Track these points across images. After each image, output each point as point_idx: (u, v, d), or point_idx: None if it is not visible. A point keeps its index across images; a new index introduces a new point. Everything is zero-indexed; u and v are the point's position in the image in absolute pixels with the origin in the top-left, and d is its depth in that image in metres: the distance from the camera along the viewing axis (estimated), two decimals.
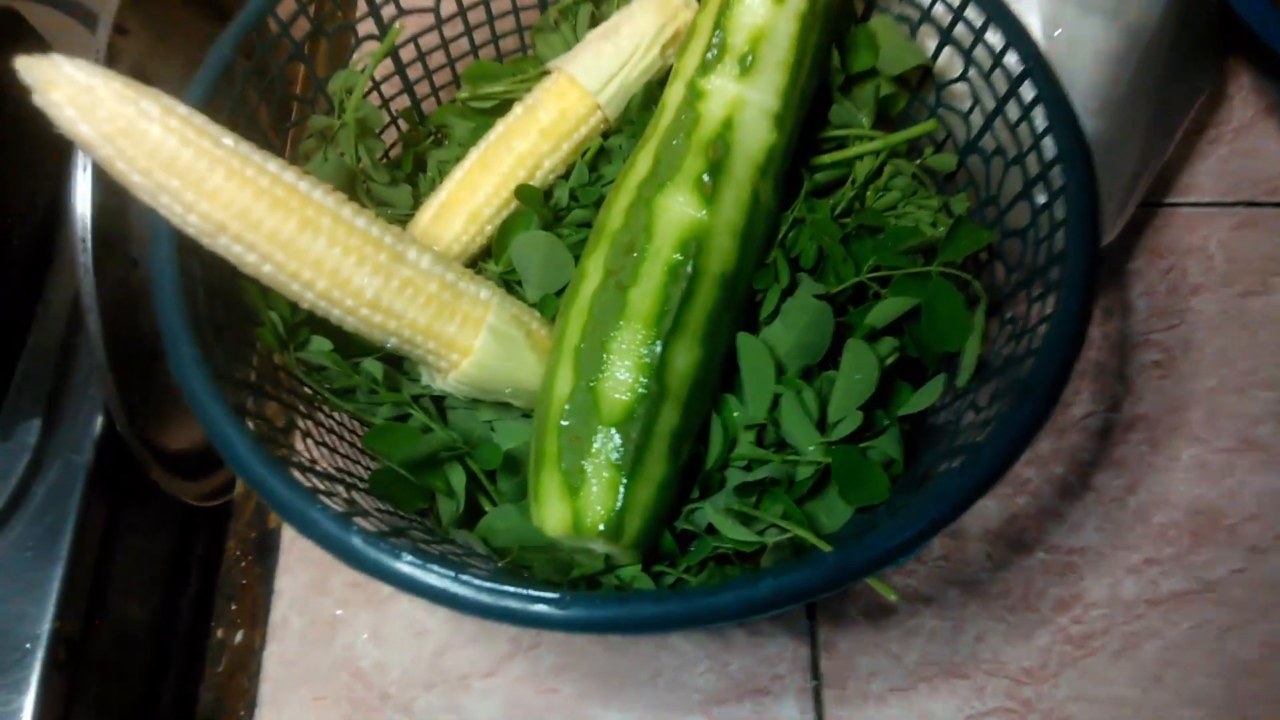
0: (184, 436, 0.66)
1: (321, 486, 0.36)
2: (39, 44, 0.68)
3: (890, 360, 0.42)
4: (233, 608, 0.47)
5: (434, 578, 0.31)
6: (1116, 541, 0.47)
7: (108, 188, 0.52)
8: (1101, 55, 0.46)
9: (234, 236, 0.37)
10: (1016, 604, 0.46)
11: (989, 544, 0.48)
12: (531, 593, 0.30)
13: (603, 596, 0.31)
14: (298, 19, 0.43)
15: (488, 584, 0.31)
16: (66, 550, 0.57)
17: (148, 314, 0.60)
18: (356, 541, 0.32)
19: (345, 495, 0.37)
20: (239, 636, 0.46)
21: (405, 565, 0.32)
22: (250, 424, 0.35)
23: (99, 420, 0.60)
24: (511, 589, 0.30)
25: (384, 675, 0.45)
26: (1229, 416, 0.50)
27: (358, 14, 0.46)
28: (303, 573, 0.47)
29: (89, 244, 0.53)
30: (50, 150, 0.65)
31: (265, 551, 0.48)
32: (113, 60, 0.57)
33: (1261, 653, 0.45)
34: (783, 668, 0.45)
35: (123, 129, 0.35)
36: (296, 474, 0.34)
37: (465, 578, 0.31)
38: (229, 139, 0.36)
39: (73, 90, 0.34)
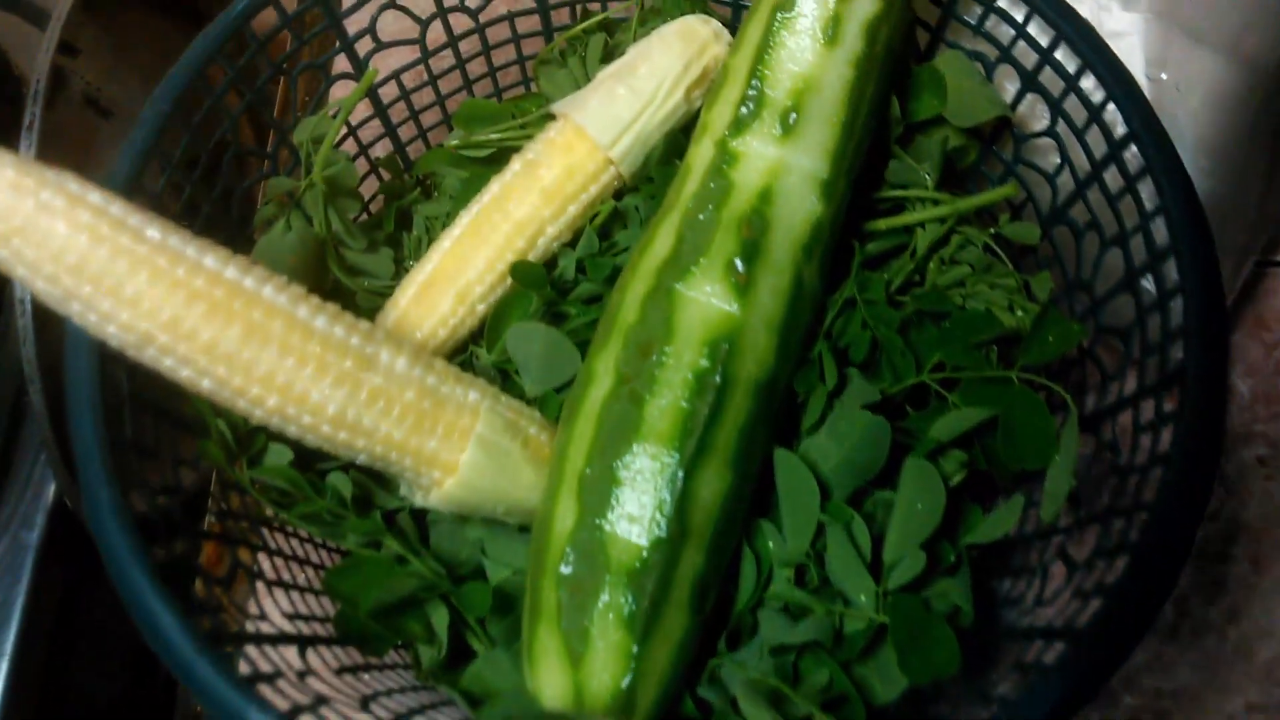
0: (141, 500, 0.60)
1: (265, 668, 0.29)
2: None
3: (957, 480, 0.35)
4: None
5: None
6: (1215, 682, 0.41)
7: None
8: (1215, 99, 0.39)
9: (163, 349, 0.30)
10: None
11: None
12: None
13: None
14: (253, 59, 0.37)
15: None
16: (13, 641, 0.51)
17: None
18: None
19: (299, 666, 0.31)
20: None
21: None
22: (179, 584, 0.29)
23: (50, 490, 0.54)
24: None
25: None
26: None
27: (326, 50, 0.39)
28: None
29: (28, 306, 0.47)
30: None
31: None
32: (58, 86, 0.51)
33: None
34: None
35: (19, 227, 0.28)
36: (236, 655, 0.28)
37: None
38: (154, 230, 0.30)
39: None
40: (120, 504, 0.29)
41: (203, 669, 0.27)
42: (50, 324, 0.48)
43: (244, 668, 0.29)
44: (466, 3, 0.42)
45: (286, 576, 0.36)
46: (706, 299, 0.34)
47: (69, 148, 0.53)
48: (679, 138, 0.40)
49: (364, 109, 0.41)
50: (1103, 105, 0.35)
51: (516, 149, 0.42)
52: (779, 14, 0.35)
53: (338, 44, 0.39)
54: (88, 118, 0.55)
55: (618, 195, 0.40)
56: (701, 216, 0.35)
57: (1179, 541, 0.28)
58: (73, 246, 0.29)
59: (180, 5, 0.63)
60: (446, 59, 0.43)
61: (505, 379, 0.39)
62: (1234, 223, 0.41)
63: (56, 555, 0.54)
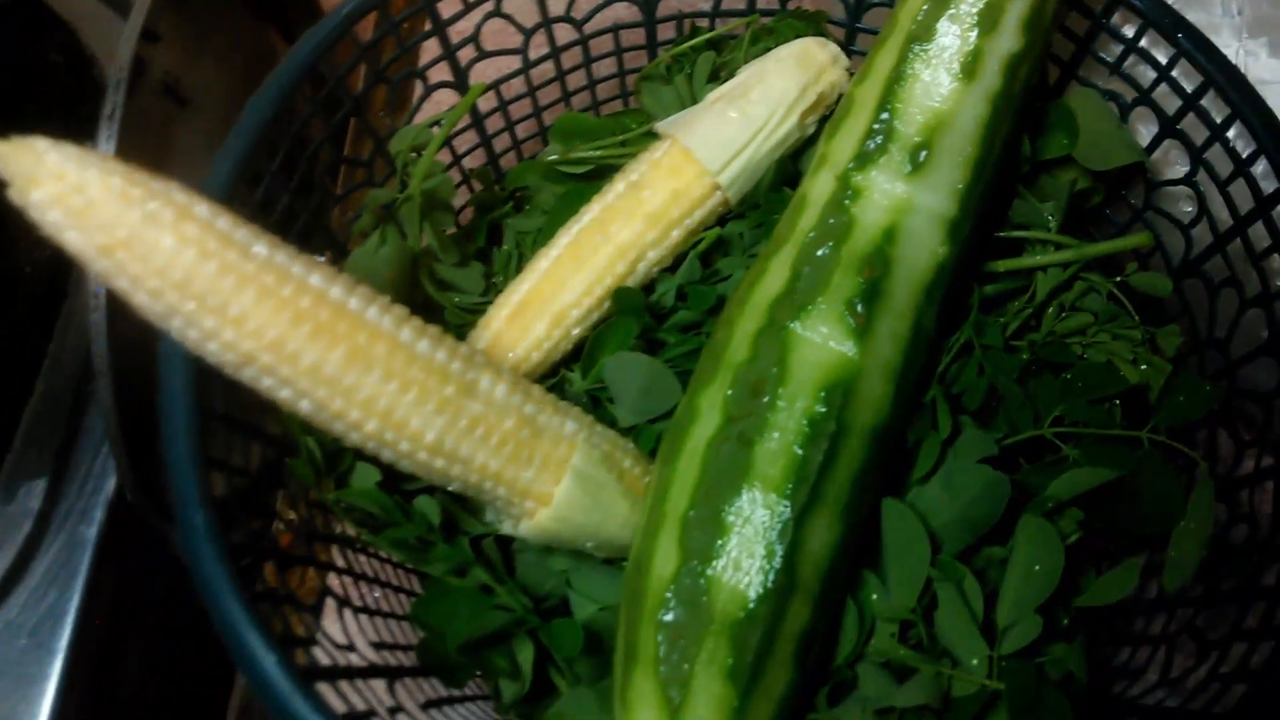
0: (233, 523, 0.60)
1: (360, 705, 0.28)
2: (67, 36, 0.61)
3: (1073, 540, 0.34)
4: None
5: None
6: None
7: None
8: None
9: (265, 369, 0.29)
10: None
11: None
12: None
13: None
14: (355, 66, 0.35)
15: None
16: (67, 640, 0.51)
17: None
18: None
19: (390, 703, 0.30)
20: None
21: None
22: (272, 614, 0.28)
23: (111, 483, 0.54)
24: None
25: None
26: None
27: (427, 59, 0.38)
28: None
29: (102, 300, 0.46)
30: None
31: None
32: (139, 74, 0.50)
33: None
34: None
35: (124, 239, 0.27)
36: (327, 691, 0.27)
37: None
38: (261, 246, 0.29)
39: (59, 188, 0.27)
40: (216, 529, 0.28)
41: (301, 707, 0.26)
42: (119, 318, 0.48)
43: (337, 702, 0.28)
44: (571, 13, 0.40)
45: (369, 600, 0.35)
46: (823, 340, 0.32)
47: (147, 136, 0.52)
48: (788, 164, 0.39)
49: (459, 124, 0.40)
50: (1251, 158, 0.33)
51: (615, 166, 0.40)
52: (915, 45, 0.33)
53: (441, 51, 0.38)
54: (165, 105, 0.54)
55: (721, 221, 0.39)
56: (820, 253, 0.33)
57: None
58: (179, 261, 0.28)
59: None
60: (547, 70, 0.42)
61: (597, 405, 0.38)
62: None
63: (113, 551, 0.53)
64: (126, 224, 0.27)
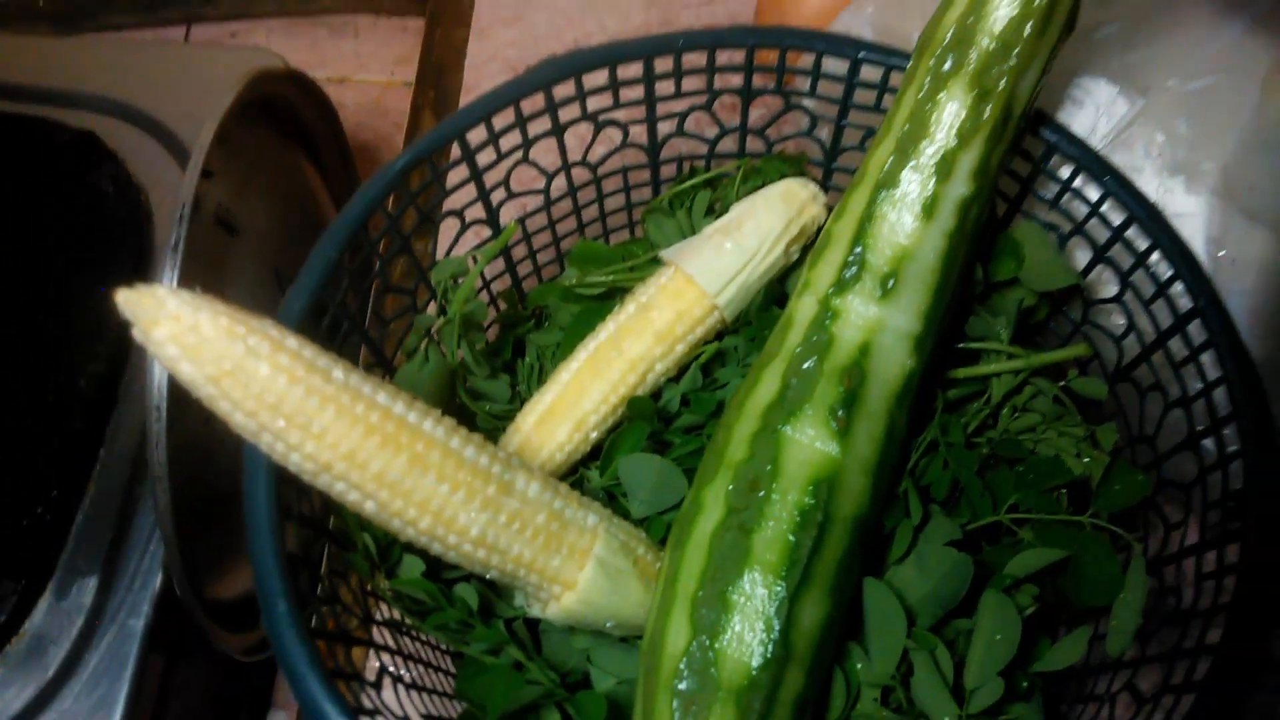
0: (230, 587, 0.64)
1: None
2: (117, 167, 0.68)
3: (1029, 612, 0.39)
4: None
5: None
6: None
7: None
8: (1269, 272, 0.43)
9: (338, 475, 0.35)
10: None
11: None
12: None
13: None
14: (407, 210, 0.42)
15: None
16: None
17: (210, 471, 0.59)
18: None
19: None
20: None
21: None
22: (345, 689, 0.33)
23: (158, 579, 0.58)
24: None
25: None
26: None
27: (465, 200, 0.45)
28: None
29: (163, 412, 0.51)
30: (120, 279, 0.65)
31: None
32: (199, 207, 0.56)
33: None
34: None
35: (229, 370, 0.33)
36: None
37: None
38: (339, 371, 0.34)
39: (177, 328, 0.32)
40: (297, 616, 0.33)
41: None
42: (173, 429, 0.53)
43: None
44: (587, 158, 0.47)
45: (417, 678, 0.40)
46: (810, 441, 0.38)
47: (203, 263, 0.58)
48: (776, 286, 0.45)
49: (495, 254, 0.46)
50: (1170, 281, 0.39)
51: (623, 288, 0.47)
52: (882, 190, 0.39)
53: (476, 194, 0.44)
54: (218, 235, 0.60)
55: (719, 336, 0.45)
56: (805, 365, 0.39)
57: (1241, 683, 0.32)
58: (274, 386, 0.33)
59: (295, 131, 0.69)
60: (565, 205, 0.48)
61: (613, 500, 0.43)
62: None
63: (159, 644, 0.58)
64: (232, 356, 0.33)
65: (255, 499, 0.35)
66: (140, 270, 0.66)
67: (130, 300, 0.32)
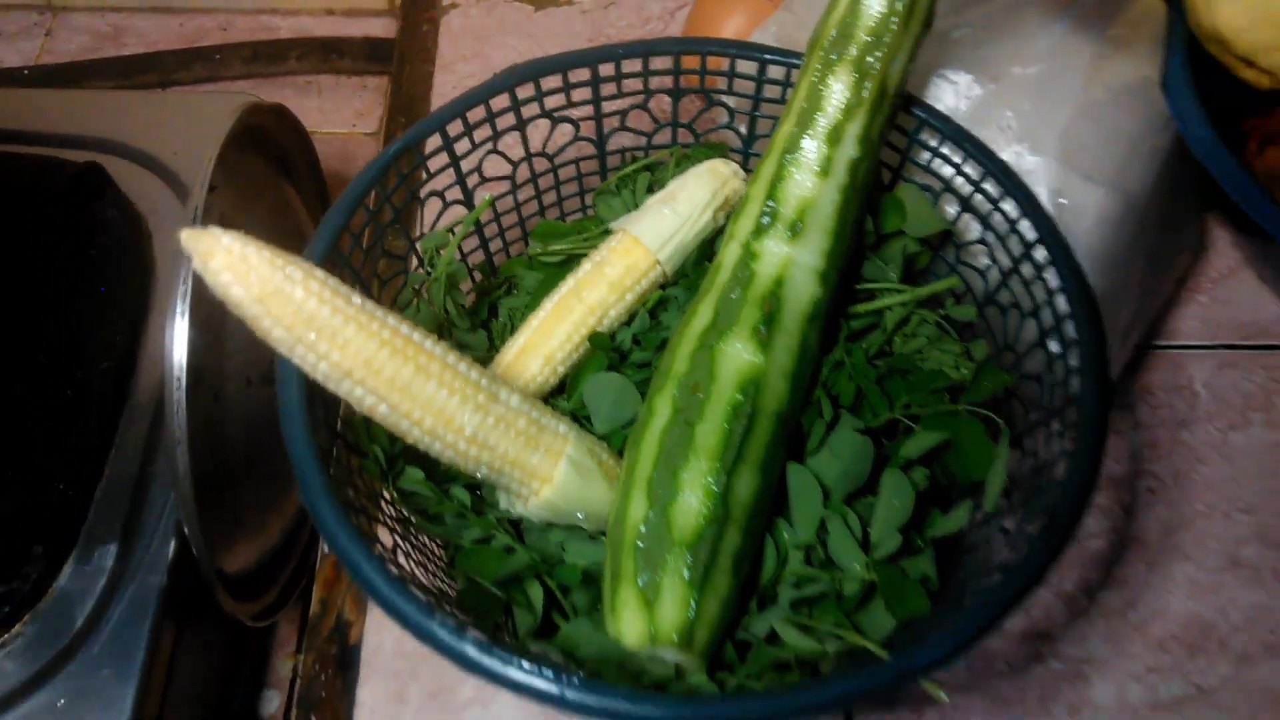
0: (240, 559, 0.71)
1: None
2: (118, 195, 0.76)
3: (923, 488, 0.48)
4: (312, 717, 0.51)
5: (543, 683, 0.37)
6: (1120, 652, 0.53)
7: (196, 335, 0.58)
8: (1102, 220, 0.53)
9: (357, 381, 0.43)
10: (1034, 709, 0.51)
11: (1007, 655, 0.53)
12: (637, 696, 0.36)
13: (705, 700, 0.36)
14: (399, 189, 0.50)
15: (593, 689, 0.36)
16: (140, 669, 0.61)
17: (221, 444, 0.66)
18: (472, 651, 0.37)
19: (447, 610, 0.42)
20: None
21: (518, 672, 0.37)
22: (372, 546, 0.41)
23: (172, 545, 0.65)
24: (618, 692, 0.36)
25: None
26: (1216, 539, 0.56)
27: (445, 183, 0.53)
28: (382, 685, 0.51)
29: (183, 382, 0.59)
30: (125, 300, 0.72)
31: (345, 666, 0.52)
32: (207, 214, 0.65)
33: None
34: None
35: (271, 291, 0.41)
36: (416, 592, 0.40)
37: (572, 681, 0.36)
38: (357, 298, 0.43)
39: (229, 258, 0.40)
40: (328, 485, 0.41)
41: (401, 601, 0.38)
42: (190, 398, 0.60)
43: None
44: (546, 149, 0.56)
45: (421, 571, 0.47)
46: (738, 353, 0.47)
47: None
48: (707, 246, 0.54)
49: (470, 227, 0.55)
50: (1018, 219, 0.49)
51: (579, 256, 0.55)
52: (787, 155, 0.49)
53: (455, 179, 0.53)
54: None
55: (663, 287, 0.54)
56: (733, 296, 0.48)
57: (1081, 499, 0.41)
58: (306, 306, 0.41)
59: (277, 157, 0.77)
60: (528, 190, 0.57)
61: (578, 422, 0.51)
62: (1118, 311, 0.55)
63: (173, 600, 0.64)
64: (273, 281, 0.41)
65: (289, 401, 0.43)
66: (143, 282, 0.73)
67: (192, 237, 0.40)
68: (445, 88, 0.71)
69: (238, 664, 0.78)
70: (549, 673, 0.37)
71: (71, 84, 1.07)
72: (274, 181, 0.78)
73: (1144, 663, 0.53)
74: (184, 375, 0.58)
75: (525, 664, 0.37)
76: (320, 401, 0.44)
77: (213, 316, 0.63)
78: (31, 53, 1.22)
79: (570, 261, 0.55)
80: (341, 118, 1.15)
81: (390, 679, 0.51)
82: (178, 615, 0.64)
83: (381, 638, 0.52)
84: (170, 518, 0.65)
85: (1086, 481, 0.41)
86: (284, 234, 0.78)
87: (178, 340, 0.58)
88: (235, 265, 0.40)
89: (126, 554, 0.64)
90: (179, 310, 0.58)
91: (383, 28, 1.23)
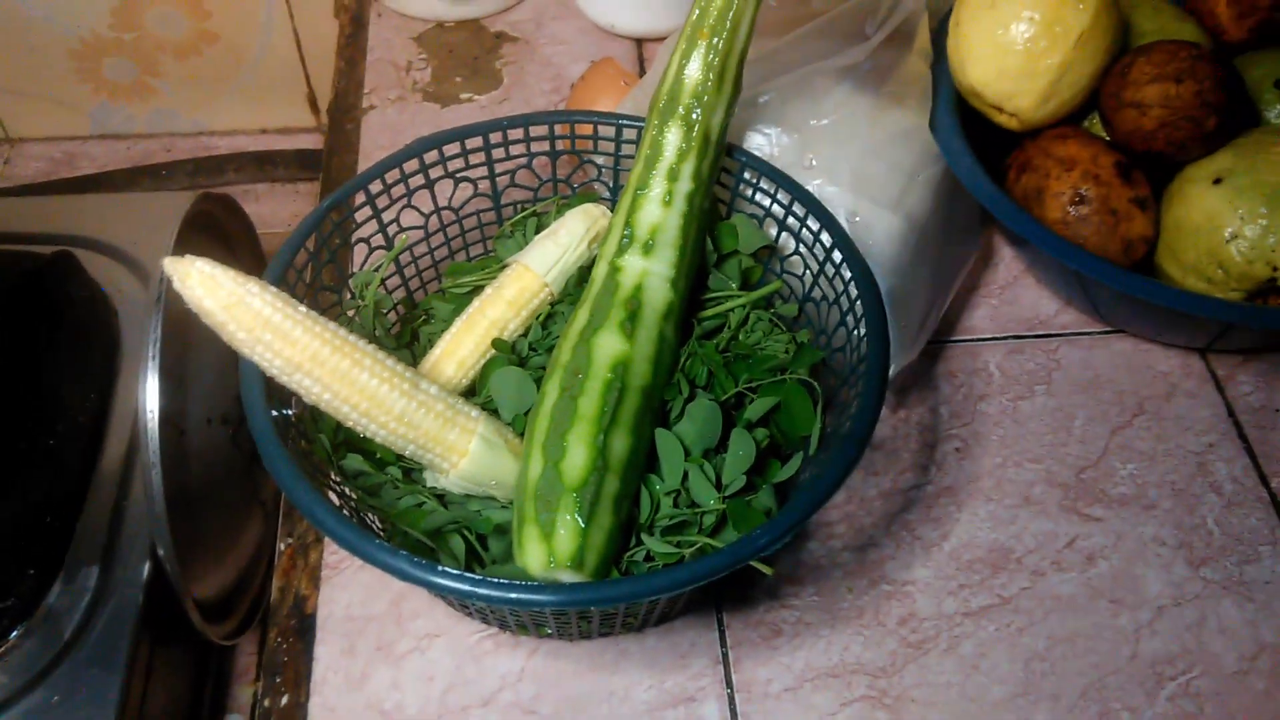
0: (208, 585, 0.78)
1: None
2: (87, 284, 0.84)
3: (763, 444, 0.58)
4: (277, 679, 0.59)
5: (486, 589, 0.45)
6: (938, 574, 0.63)
7: (164, 381, 0.67)
8: (888, 235, 0.65)
9: (305, 373, 0.51)
10: (870, 622, 0.61)
11: (848, 582, 0.63)
12: (536, 585, 0.45)
13: (597, 582, 0.45)
14: (332, 236, 0.60)
15: (517, 585, 0.45)
16: (122, 668, 0.67)
17: (187, 474, 0.73)
18: (405, 563, 0.46)
19: None
20: (285, 699, 0.58)
21: (470, 584, 0.45)
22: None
23: (146, 567, 0.72)
24: (547, 585, 0.45)
25: (403, 712, 0.57)
26: (1011, 483, 0.67)
27: (370, 232, 0.63)
28: (335, 643, 0.59)
29: (155, 415, 0.67)
30: (96, 365, 0.80)
31: (303, 632, 0.60)
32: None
33: (1047, 644, 0.60)
34: (705, 681, 0.58)
35: (235, 302, 0.50)
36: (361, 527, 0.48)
37: (504, 582, 0.45)
38: (303, 308, 0.52)
39: (202, 277, 0.50)
40: (288, 452, 0.50)
41: (350, 532, 0.47)
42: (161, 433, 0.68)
43: None
44: (452, 204, 0.67)
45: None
46: (609, 343, 0.56)
47: (174, 319, 0.75)
48: (585, 270, 0.64)
49: (390, 268, 0.65)
50: (820, 232, 0.60)
51: (482, 287, 0.65)
52: (638, 191, 0.59)
53: (377, 227, 0.63)
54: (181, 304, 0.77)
55: (551, 304, 0.64)
56: (603, 301, 0.58)
57: (868, 424, 0.51)
58: (262, 313, 0.50)
59: (223, 239, 0.87)
60: (439, 238, 0.67)
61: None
62: (909, 306, 0.66)
63: (148, 619, 0.70)
64: (236, 294, 0.50)
65: (250, 391, 0.52)
66: (111, 351, 0.81)
67: (173, 263, 0.49)
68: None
69: (203, 685, 0.84)
70: (469, 575, 0.45)
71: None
72: (222, 260, 0.87)
73: (957, 581, 0.63)
74: (156, 410, 0.67)
75: (450, 570, 0.45)
76: (276, 395, 0.53)
77: (176, 367, 0.72)
78: None
79: (476, 292, 0.65)
80: (279, 219, 1.25)
81: (341, 638, 0.59)
82: (153, 628, 0.71)
83: (332, 608, 0.60)
84: (144, 544, 0.72)
85: (872, 411, 0.52)
86: None
87: (150, 382, 0.67)
88: (207, 282, 0.49)
89: (106, 575, 0.71)
90: (151, 356, 0.66)
91: (311, 141, 1.33)
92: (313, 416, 0.56)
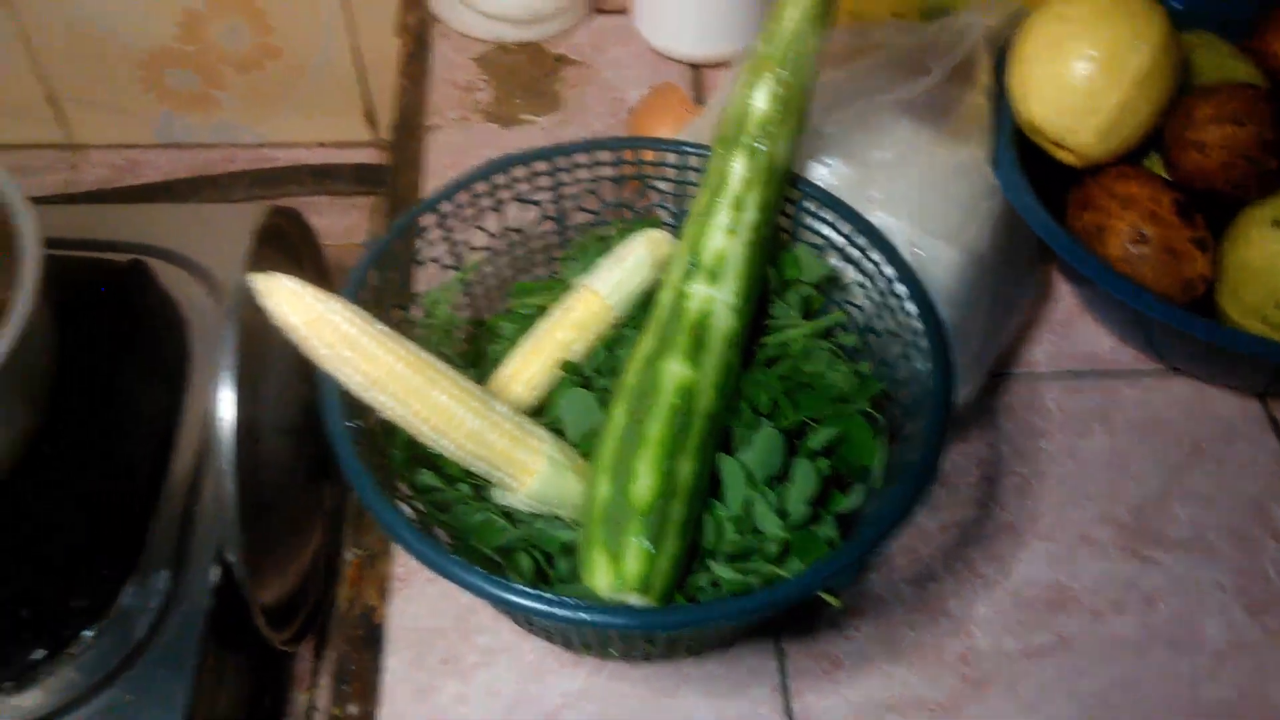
0: (271, 592, 0.78)
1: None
2: (159, 292, 0.85)
3: (826, 474, 0.57)
4: (345, 688, 0.59)
5: (562, 609, 0.45)
6: (998, 611, 0.62)
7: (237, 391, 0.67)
8: (948, 267, 0.65)
9: (382, 388, 0.52)
10: (930, 657, 0.60)
11: (908, 616, 0.62)
12: (631, 610, 0.45)
13: (673, 608, 0.45)
14: (403, 254, 0.61)
15: (593, 608, 0.45)
16: (192, 669, 0.68)
17: (258, 482, 0.74)
18: (500, 590, 0.46)
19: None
20: (354, 709, 0.58)
21: (545, 604, 0.46)
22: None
23: (215, 573, 0.72)
24: (620, 609, 0.45)
25: None
26: (1070, 522, 0.66)
27: (441, 250, 0.64)
28: (403, 654, 0.59)
29: (230, 427, 0.68)
30: (167, 374, 0.81)
31: (371, 643, 0.60)
32: (242, 294, 0.74)
33: (1106, 686, 0.60)
34: (764, 710, 0.58)
35: (317, 318, 0.51)
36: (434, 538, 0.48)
37: (580, 604, 0.45)
38: (382, 326, 0.53)
39: (287, 295, 0.50)
40: (364, 468, 0.50)
41: (426, 547, 0.47)
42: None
43: None
44: (519, 225, 0.67)
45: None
46: (675, 369, 0.56)
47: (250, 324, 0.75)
48: (648, 295, 0.65)
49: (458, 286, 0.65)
50: (883, 264, 0.60)
51: (548, 308, 0.66)
52: (705, 219, 0.60)
53: (447, 247, 0.64)
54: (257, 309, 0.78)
55: (615, 327, 0.64)
56: (670, 327, 0.58)
57: (932, 466, 0.51)
58: (344, 330, 0.51)
59: (289, 251, 0.88)
60: (505, 258, 0.68)
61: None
62: (968, 339, 0.66)
63: (216, 622, 0.71)
64: (319, 312, 0.51)
65: (330, 405, 0.52)
66: (181, 360, 0.82)
67: (261, 279, 0.50)
68: (431, 191, 0.83)
69: (263, 690, 0.84)
70: (544, 594, 0.45)
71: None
72: (289, 271, 0.88)
73: (1016, 619, 0.62)
74: (232, 419, 0.67)
75: (526, 589, 0.45)
76: (351, 411, 0.53)
77: (247, 377, 0.72)
78: (58, 185, 1.32)
79: (542, 313, 0.65)
80: (335, 232, 1.25)
81: (409, 650, 0.59)
82: (220, 632, 0.71)
83: (401, 620, 0.60)
84: (213, 549, 0.73)
85: (936, 444, 0.51)
86: None
87: (225, 391, 0.67)
88: (292, 299, 0.50)
89: (177, 579, 0.71)
90: (226, 366, 0.67)
91: (368, 155, 1.34)
92: (385, 430, 0.56)
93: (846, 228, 0.62)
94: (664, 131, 0.76)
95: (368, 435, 0.55)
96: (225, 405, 0.66)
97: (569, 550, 0.56)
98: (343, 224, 1.28)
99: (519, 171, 0.65)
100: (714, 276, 0.59)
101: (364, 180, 1.29)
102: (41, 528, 0.70)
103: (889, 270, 0.60)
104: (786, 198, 0.63)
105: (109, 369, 0.78)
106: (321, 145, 1.35)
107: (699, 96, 0.91)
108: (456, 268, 0.66)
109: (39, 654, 0.66)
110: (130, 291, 0.82)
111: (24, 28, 1.21)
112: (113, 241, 0.89)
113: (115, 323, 0.80)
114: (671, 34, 0.91)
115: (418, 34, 1.00)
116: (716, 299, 0.58)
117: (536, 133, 0.88)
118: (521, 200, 0.66)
